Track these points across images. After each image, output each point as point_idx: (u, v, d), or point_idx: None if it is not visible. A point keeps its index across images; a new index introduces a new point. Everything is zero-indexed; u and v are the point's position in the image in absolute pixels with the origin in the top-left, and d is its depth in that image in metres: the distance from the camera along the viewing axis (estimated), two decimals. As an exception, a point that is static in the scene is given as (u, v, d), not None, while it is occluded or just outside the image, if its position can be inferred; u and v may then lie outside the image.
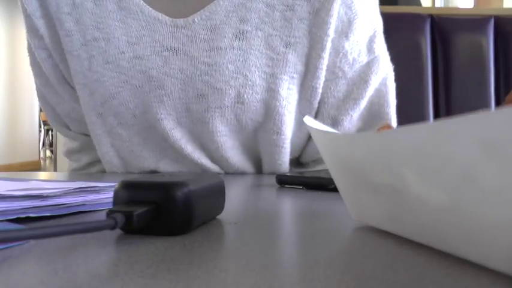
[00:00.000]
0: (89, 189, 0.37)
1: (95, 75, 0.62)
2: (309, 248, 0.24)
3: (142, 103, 0.61)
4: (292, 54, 0.60)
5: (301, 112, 0.64)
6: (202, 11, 0.60)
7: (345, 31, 0.61)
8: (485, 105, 1.05)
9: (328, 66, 0.62)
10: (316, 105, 0.63)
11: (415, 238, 0.24)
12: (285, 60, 0.60)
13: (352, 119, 0.64)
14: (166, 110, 0.60)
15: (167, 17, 0.60)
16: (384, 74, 0.65)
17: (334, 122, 0.63)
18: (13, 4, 5.96)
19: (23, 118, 6.20)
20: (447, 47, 1.06)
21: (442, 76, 1.07)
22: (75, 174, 0.71)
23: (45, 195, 0.33)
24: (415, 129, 0.19)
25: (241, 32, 0.59)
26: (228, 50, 0.59)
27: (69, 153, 0.74)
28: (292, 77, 0.60)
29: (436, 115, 1.07)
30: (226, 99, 0.59)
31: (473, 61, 1.07)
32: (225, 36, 0.59)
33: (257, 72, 0.59)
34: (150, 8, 0.61)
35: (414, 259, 0.21)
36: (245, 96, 0.59)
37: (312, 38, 0.59)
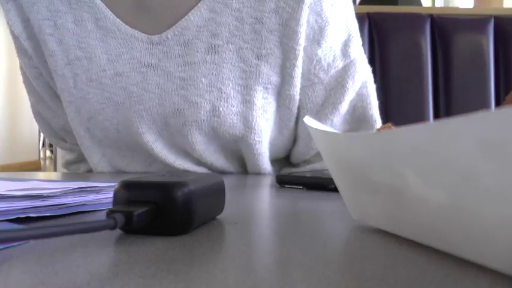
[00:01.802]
0: (89, 189, 0.37)
1: (80, 92, 0.64)
2: (309, 248, 0.24)
3: (124, 119, 0.63)
4: (264, 65, 0.60)
5: (281, 118, 0.64)
6: (174, 27, 0.61)
7: (316, 38, 0.61)
8: (485, 105, 1.05)
9: (303, 73, 0.62)
10: (295, 111, 0.64)
11: (415, 238, 0.24)
12: (257, 72, 0.60)
13: (333, 123, 0.65)
14: (146, 124, 0.62)
15: (143, 34, 0.62)
16: (363, 77, 0.65)
17: None
18: (13, 4, 5.94)
19: (23, 118, 6.20)
20: (447, 47, 1.06)
21: (442, 76, 1.07)
22: (75, 174, 0.71)
23: (45, 195, 0.33)
24: (415, 129, 0.19)
25: (213, 46, 0.60)
26: (201, 64, 0.60)
27: (68, 165, 0.76)
28: (267, 88, 0.61)
29: (436, 115, 1.07)
30: (202, 112, 0.60)
31: (473, 61, 1.07)
32: (197, 51, 0.60)
33: (231, 85, 0.60)
34: (127, 26, 0.62)
35: (414, 259, 0.21)
36: (220, 109, 0.60)
37: (284, 48, 0.60)
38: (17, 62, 0.72)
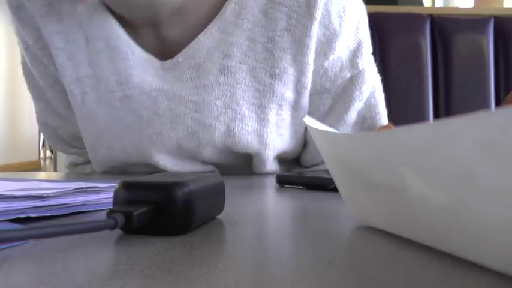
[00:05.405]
0: (89, 189, 0.37)
1: (88, 110, 0.63)
2: (309, 248, 0.24)
3: (133, 140, 0.62)
4: (278, 84, 0.60)
5: (295, 128, 0.64)
6: (185, 50, 0.60)
7: (323, 51, 0.61)
8: (485, 105, 1.05)
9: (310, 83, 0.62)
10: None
11: (415, 238, 0.24)
12: (271, 91, 0.60)
13: None
14: (157, 146, 0.61)
15: (157, 60, 0.61)
16: (371, 87, 0.65)
17: None
18: (13, 4, 5.94)
19: (23, 118, 6.19)
20: (447, 47, 1.06)
21: (442, 76, 1.07)
22: (75, 174, 0.71)
23: (45, 195, 0.33)
24: (415, 129, 0.19)
25: (225, 67, 0.59)
26: (214, 86, 0.59)
27: (73, 166, 0.76)
28: (281, 105, 0.61)
29: (436, 115, 1.07)
30: (216, 134, 0.60)
31: (473, 61, 1.07)
32: (210, 73, 0.59)
33: (245, 105, 0.60)
34: (141, 49, 0.61)
35: (414, 259, 0.21)
36: (235, 129, 0.60)
37: (297, 65, 0.60)
38: (17, 63, 0.71)
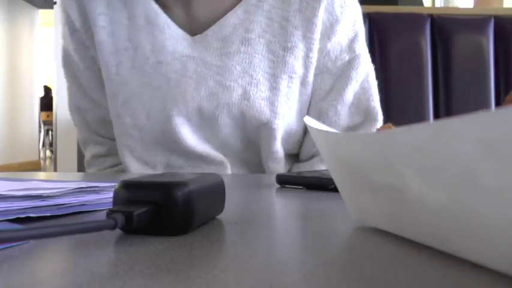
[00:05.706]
0: (88, 189, 0.37)
1: (121, 78, 0.71)
2: (309, 248, 0.24)
3: (158, 103, 0.69)
4: (289, 56, 0.69)
5: (302, 105, 0.72)
6: (214, 26, 0.70)
7: (327, 33, 0.71)
8: (485, 105, 1.05)
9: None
10: (310, 96, 0.72)
11: (415, 238, 0.24)
12: (283, 62, 0.69)
13: (337, 111, 0.72)
14: (178, 107, 0.69)
15: (188, 36, 0.70)
16: (365, 71, 0.73)
17: (321, 114, 0.72)
18: (13, 5, 5.96)
19: (23, 118, 6.20)
20: (447, 47, 1.06)
21: (442, 76, 1.07)
22: (75, 174, 0.71)
23: (45, 195, 0.33)
24: (415, 129, 0.19)
25: (246, 39, 0.70)
26: (236, 54, 0.69)
27: (94, 158, 0.81)
28: (291, 77, 0.70)
29: (436, 115, 1.07)
30: (234, 96, 0.68)
31: (473, 61, 1.07)
32: (233, 43, 0.69)
33: (261, 73, 0.69)
34: (176, 25, 0.70)
35: (414, 259, 0.21)
36: (251, 93, 0.68)
37: (307, 41, 0.69)
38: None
